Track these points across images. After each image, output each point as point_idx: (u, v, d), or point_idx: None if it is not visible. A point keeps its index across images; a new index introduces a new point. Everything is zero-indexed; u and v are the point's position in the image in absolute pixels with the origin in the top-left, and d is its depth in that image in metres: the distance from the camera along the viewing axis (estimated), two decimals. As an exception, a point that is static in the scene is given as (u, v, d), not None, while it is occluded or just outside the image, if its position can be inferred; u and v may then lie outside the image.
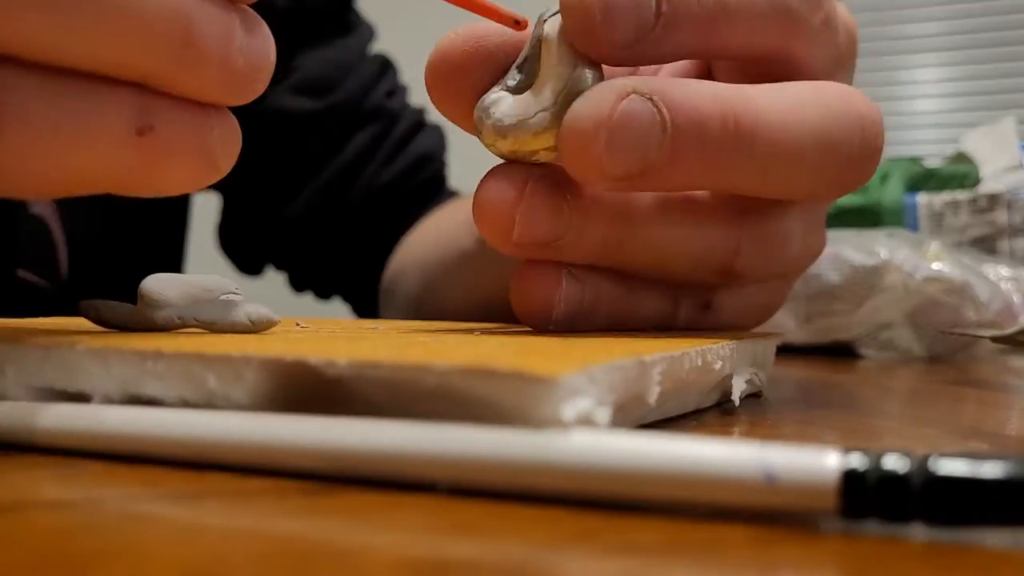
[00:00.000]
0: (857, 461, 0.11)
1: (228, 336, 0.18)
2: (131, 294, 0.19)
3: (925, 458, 0.11)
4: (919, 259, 0.42)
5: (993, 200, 0.58)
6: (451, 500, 0.12)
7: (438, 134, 0.56)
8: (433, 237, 0.46)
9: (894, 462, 0.11)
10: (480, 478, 0.12)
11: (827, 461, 0.11)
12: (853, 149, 0.21)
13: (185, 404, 0.15)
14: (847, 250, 0.43)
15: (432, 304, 0.42)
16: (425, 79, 0.21)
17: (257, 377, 0.14)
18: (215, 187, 0.55)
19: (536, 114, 0.20)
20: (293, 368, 0.14)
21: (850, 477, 0.11)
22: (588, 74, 0.20)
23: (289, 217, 0.53)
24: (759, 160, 0.20)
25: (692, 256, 0.22)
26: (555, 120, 0.20)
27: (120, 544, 0.10)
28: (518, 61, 0.21)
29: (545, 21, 0.20)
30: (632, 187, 0.20)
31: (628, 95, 0.18)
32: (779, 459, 0.11)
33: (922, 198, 0.60)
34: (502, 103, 0.21)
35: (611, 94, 0.18)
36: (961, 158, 0.65)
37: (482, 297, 0.37)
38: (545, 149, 0.20)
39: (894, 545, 0.11)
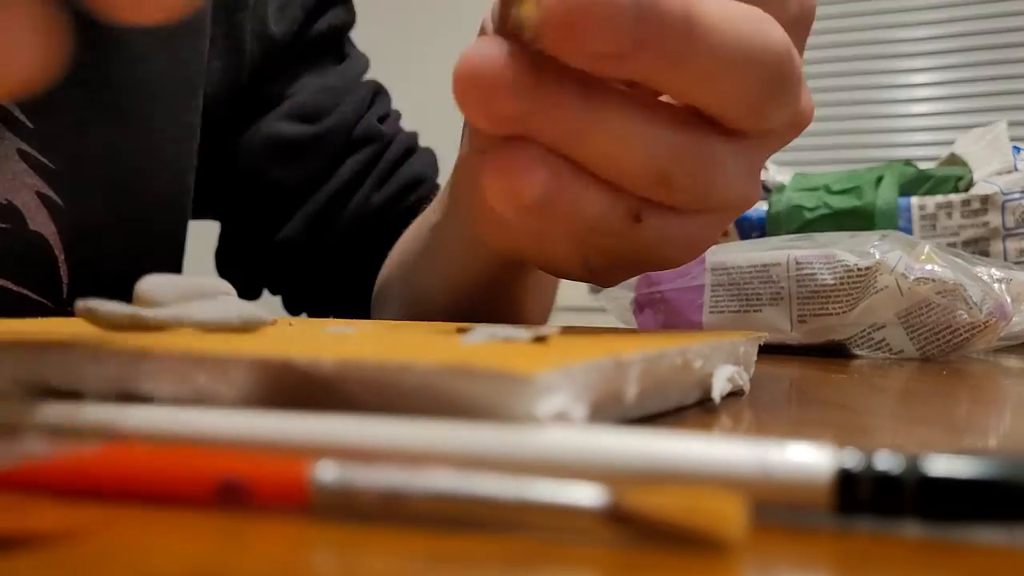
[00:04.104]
0: (851, 458, 0.11)
1: (219, 336, 0.19)
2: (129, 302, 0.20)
3: (917, 456, 0.11)
4: (912, 260, 0.42)
5: (985, 202, 0.59)
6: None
7: (430, 158, 0.57)
8: (410, 234, 0.47)
9: (887, 459, 0.11)
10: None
11: (822, 457, 0.11)
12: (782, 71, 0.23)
13: (176, 402, 0.15)
14: (841, 251, 0.44)
15: (414, 297, 0.43)
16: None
17: (245, 376, 0.15)
18: (214, 213, 0.56)
19: None
20: (280, 368, 0.14)
21: (844, 473, 0.11)
22: None
23: (283, 241, 0.54)
24: (705, 64, 0.21)
25: (637, 152, 0.23)
26: None
27: (122, 544, 0.10)
28: None
29: None
30: (600, 68, 0.21)
31: None
32: (775, 455, 0.11)
33: (915, 200, 0.60)
34: None
35: None
36: (954, 161, 0.66)
37: (458, 284, 0.38)
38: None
39: (887, 541, 0.11)
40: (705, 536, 0.10)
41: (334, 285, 0.55)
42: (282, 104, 0.53)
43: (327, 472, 0.11)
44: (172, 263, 0.48)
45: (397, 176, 0.55)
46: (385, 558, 0.10)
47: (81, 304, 0.17)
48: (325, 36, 0.55)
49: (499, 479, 0.11)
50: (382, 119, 0.56)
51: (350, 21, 0.57)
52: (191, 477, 0.12)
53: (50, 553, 0.10)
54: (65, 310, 0.40)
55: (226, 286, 0.21)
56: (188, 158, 0.47)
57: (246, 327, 0.19)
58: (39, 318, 0.25)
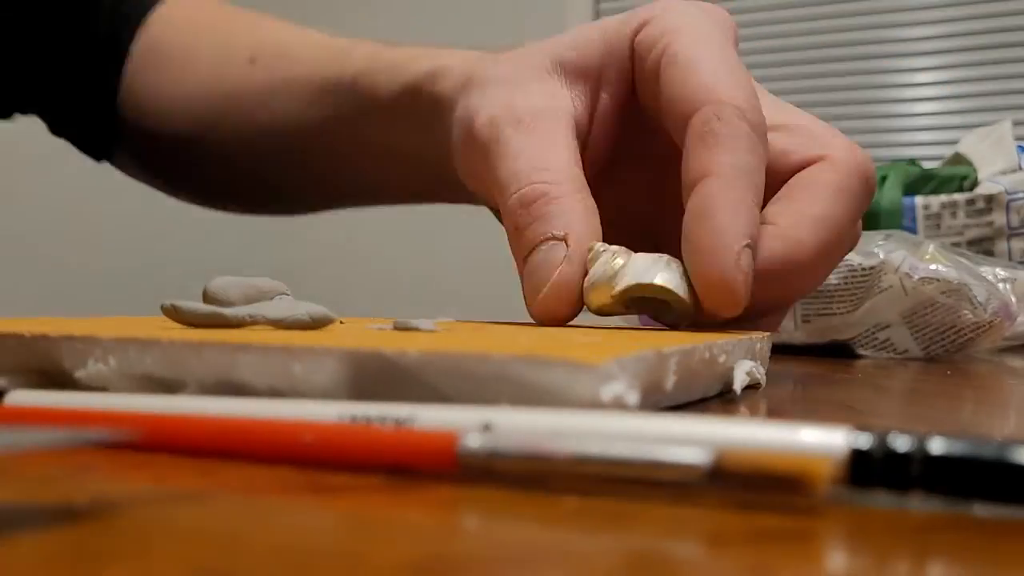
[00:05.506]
0: (864, 438, 0.12)
1: (296, 332, 0.20)
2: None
3: (926, 436, 0.12)
4: (917, 260, 0.42)
5: (990, 202, 0.59)
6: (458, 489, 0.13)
7: None
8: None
9: (897, 439, 0.12)
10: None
11: (836, 437, 0.13)
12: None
13: (272, 390, 0.17)
14: (847, 251, 0.44)
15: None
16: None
17: (337, 366, 0.16)
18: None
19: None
20: (369, 358, 0.16)
21: (857, 451, 0.12)
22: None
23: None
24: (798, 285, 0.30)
25: None
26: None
27: (128, 543, 0.10)
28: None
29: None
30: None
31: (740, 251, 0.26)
32: (791, 434, 0.13)
33: (920, 200, 0.61)
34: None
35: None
36: (958, 160, 0.66)
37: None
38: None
39: (896, 515, 0.12)
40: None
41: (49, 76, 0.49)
42: None
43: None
44: None
45: None
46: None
47: (167, 303, 0.19)
48: None
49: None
50: None
51: None
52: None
53: (54, 542, 0.10)
54: None
55: (282, 286, 0.23)
56: None
57: (316, 324, 0.21)
58: (135, 317, 0.26)
